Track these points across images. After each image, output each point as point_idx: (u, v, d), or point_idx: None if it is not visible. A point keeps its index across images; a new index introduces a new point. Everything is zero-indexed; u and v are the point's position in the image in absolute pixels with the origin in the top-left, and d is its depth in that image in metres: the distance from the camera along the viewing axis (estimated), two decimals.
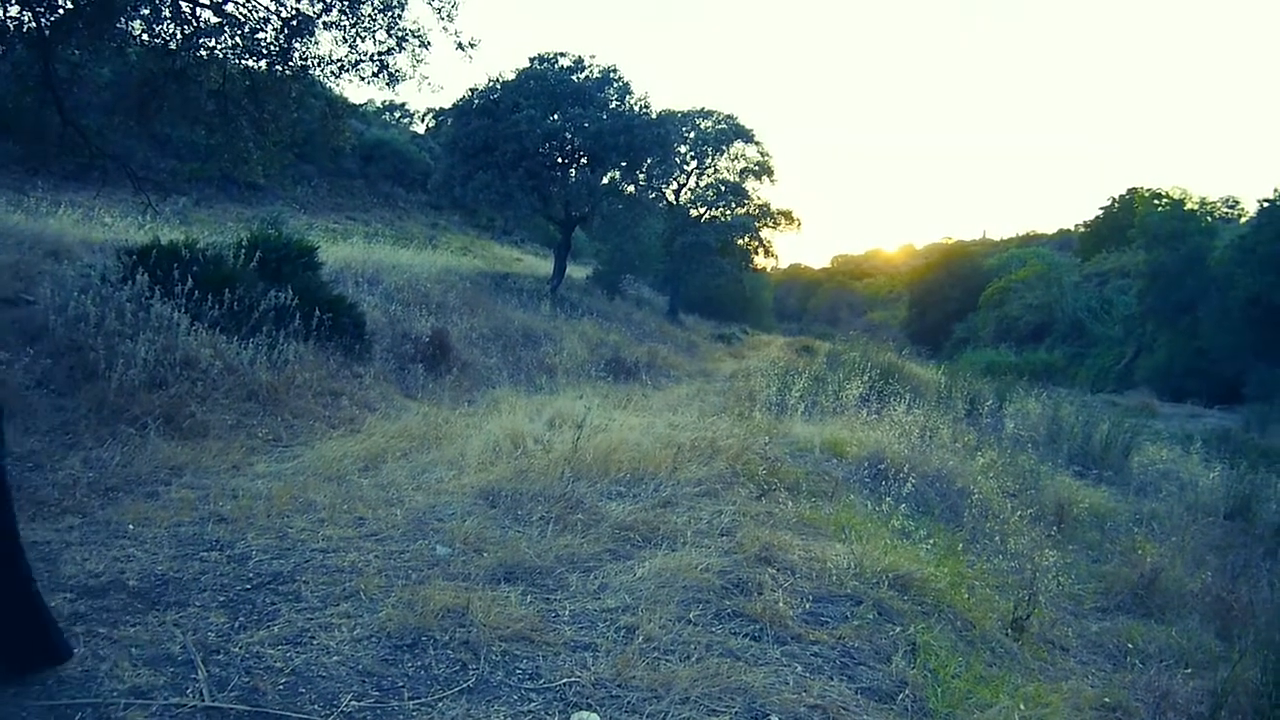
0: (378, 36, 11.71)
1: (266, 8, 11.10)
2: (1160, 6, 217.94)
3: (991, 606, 5.62)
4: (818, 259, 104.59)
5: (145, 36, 10.71)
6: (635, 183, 28.88)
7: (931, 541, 6.39)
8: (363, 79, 11.94)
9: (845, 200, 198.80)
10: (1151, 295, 44.37)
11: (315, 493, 6.61)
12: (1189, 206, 49.79)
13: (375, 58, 11.82)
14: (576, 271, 31.76)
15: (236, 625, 4.24)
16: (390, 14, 11.58)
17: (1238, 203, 60.81)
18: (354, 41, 11.62)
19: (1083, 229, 70.72)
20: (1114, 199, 62.29)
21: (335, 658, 3.98)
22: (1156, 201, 51.88)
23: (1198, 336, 39.50)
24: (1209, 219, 50.57)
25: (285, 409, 9.71)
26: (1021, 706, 4.18)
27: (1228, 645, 5.90)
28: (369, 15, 11.49)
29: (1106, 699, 4.74)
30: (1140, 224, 49.50)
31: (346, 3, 11.25)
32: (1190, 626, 6.23)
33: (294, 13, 11.10)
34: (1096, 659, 5.53)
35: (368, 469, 7.66)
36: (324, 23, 11.35)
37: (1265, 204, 41.18)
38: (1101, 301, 51.89)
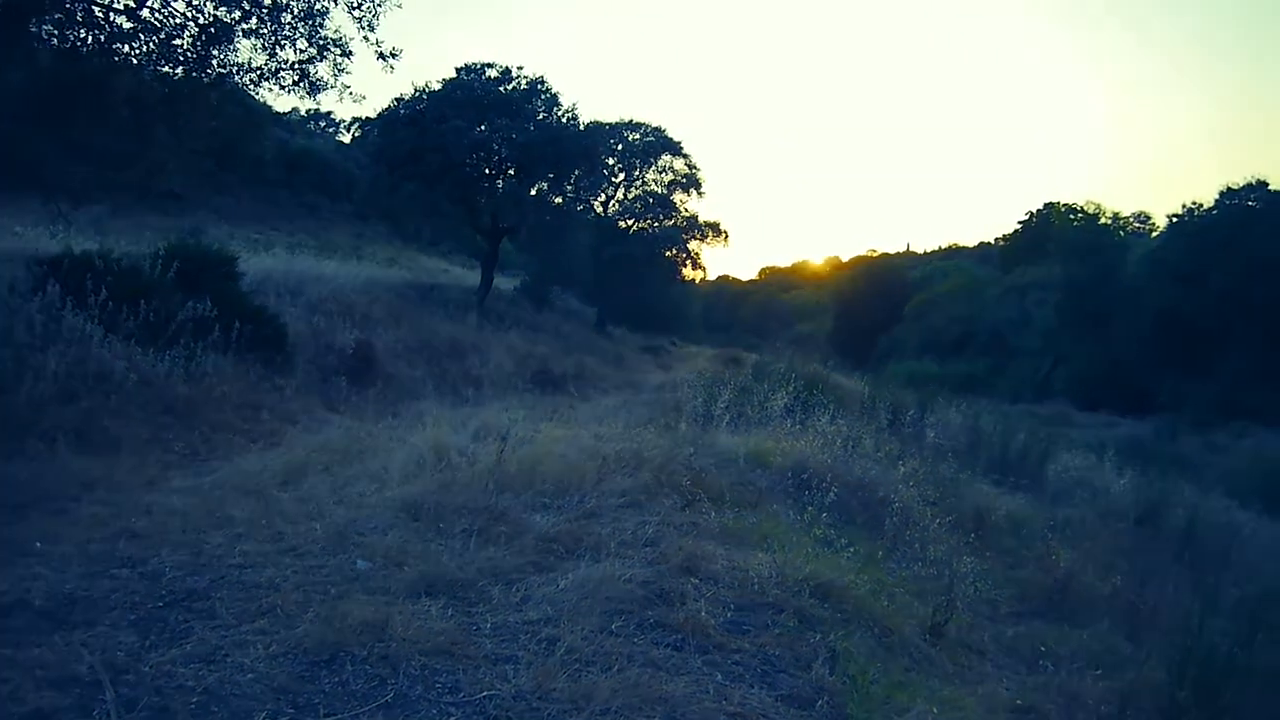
0: (298, 45, 11.57)
1: (183, 14, 10.89)
2: (1078, 27, 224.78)
3: (911, 613, 5.70)
4: (746, 271, 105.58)
5: (56, 41, 10.43)
6: (563, 194, 28.90)
7: (853, 550, 6.46)
8: (283, 88, 11.78)
9: (773, 212, 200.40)
10: (1068, 308, 45.55)
11: (233, 507, 6.47)
12: (1103, 221, 51.38)
13: (296, 66, 11.66)
14: (504, 283, 31.61)
15: (147, 644, 4.12)
16: (311, 22, 11.45)
17: (1149, 218, 62.93)
18: (274, 50, 11.46)
19: (1002, 242, 72.33)
20: (1032, 213, 63.87)
21: (249, 675, 3.89)
22: (1072, 216, 53.48)
23: (1112, 348, 40.62)
24: (1122, 233, 52.24)
25: (203, 422, 9.51)
26: (935, 710, 4.25)
27: (1136, 647, 6.06)
28: (289, 23, 11.34)
29: (1020, 701, 4.83)
30: (1057, 238, 50.90)
31: (266, 10, 11.09)
32: (1101, 629, 6.38)
33: (212, 19, 10.91)
34: (1011, 662, 5.63)
35: (288, 483, 7.51)
36: (243, 30, 11.17)
37: (1174, 219, 42.67)
38: (1021, 314, 53.09)
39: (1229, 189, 40.41)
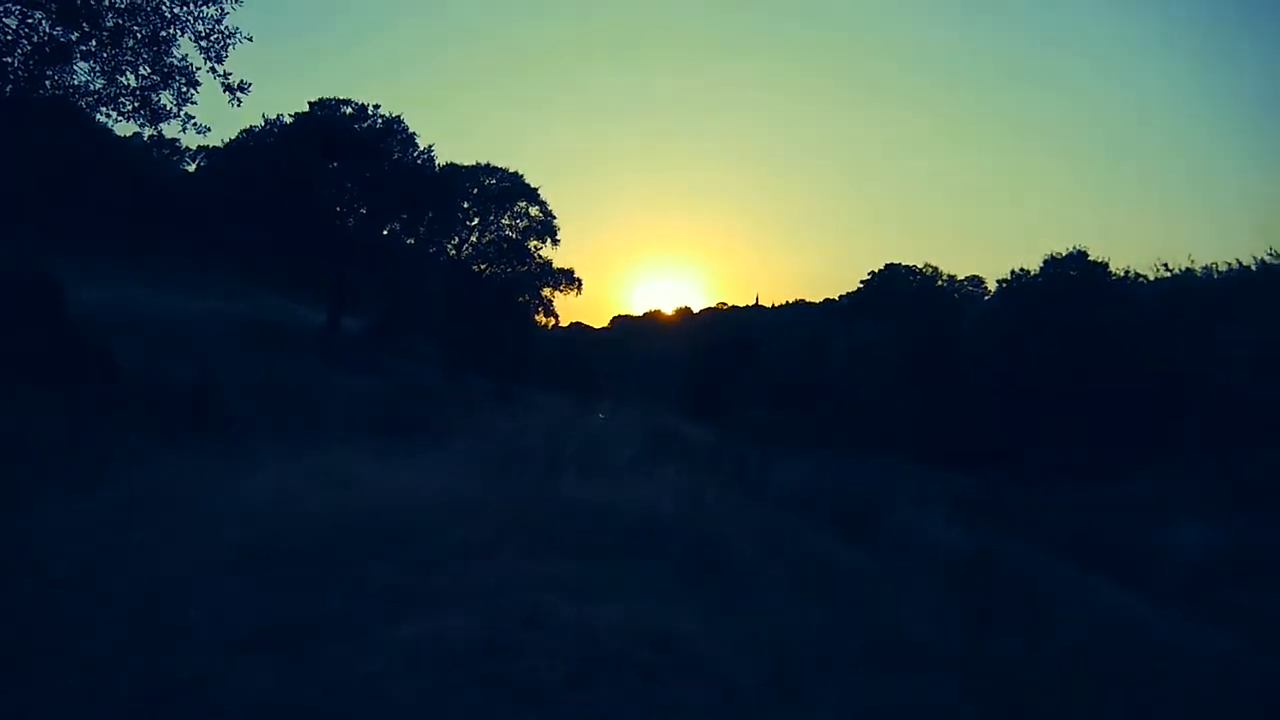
0: (141, 71, 11.15)
1: (15, 30, 10.37)
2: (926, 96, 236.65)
3: (750, 663, 5.76)
4: (598, 319, 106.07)
5: None
6: (416, 235, 28.58)
7: (695, 601, 6.50)
8: (123, 114, 11.32)
9: (626, 263, 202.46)
10: (906, 365, 47.35)
11: (49, 553, 6.07)
12: (940, 283, 54.00)
13: (137, 93, 11.24)
14: (352, 324, 30.88)
15: None
16: (155, 49, 11.06)
17: (982, 281, 66.33)
18: (114, 74, 11.02)
19: (846, 298, 74.82)
20: (873, 272, 66.32)
21: None
22: (911, 277, 55.98)
23: (947, 405, 42.32)
24: (957, 295, 54.98)
25: (23, 460, 8.93)
26: None
27: (962, 695, 6.26)
28: (132, 48, 10.94)
29: None
30: (896, 296, 53.11)
31: (107, 33, 10.67)
32: (930, 678, 6.57)
33: (47, 38, 10.43)
34: (843, 714, 5.73)
35: (113, 526, 7.10)
36: (81, 52, 10.71)
37: (1003, 284, 45.13)
38: (862, 369, 54.82)
39: (1053, 257, 43.02)
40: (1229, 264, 39.79)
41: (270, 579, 5.86)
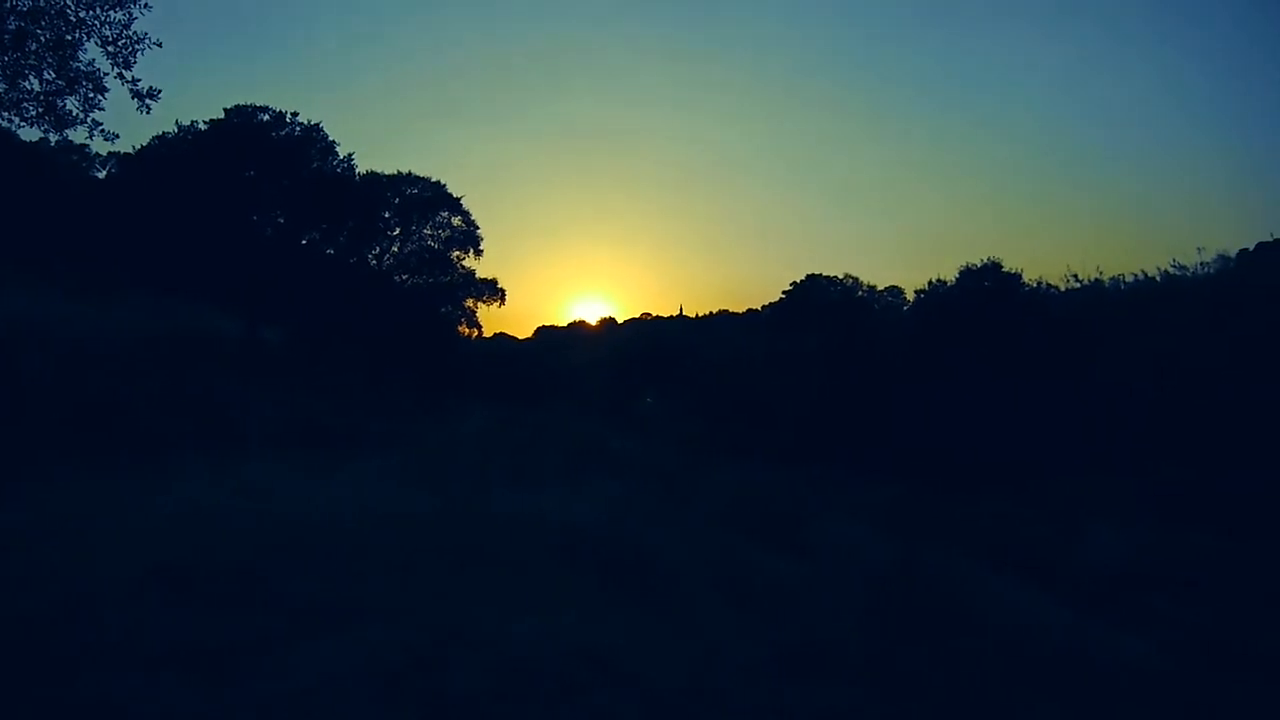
0: (45, 75, 10.79)
1: None
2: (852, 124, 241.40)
3: (675, 675, 5.71)
4: (522, 329, 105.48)
5: None
6: (336, 245, 28.14)
7: (622, 612, 6.44)
8: (25, 119, 10.94)
9: (549, 273, 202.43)
10: (829, 372, 47.87)
11: None
12: (860, 294, 54.93)
13: (42, 98, 10.87)
14: (273, 334, 30.28)
15: None
16: (61, 53, 10.71)
17: (901, 291, 67.56)
18: (16, 79, 10.64)
19: (769, 309, 75.47)
20: (795, 283, 67.05)
21: None
22: (832, 287, 56.86)
23: (871, 412, 42.82)
24: (877, 305, 55.98)
25: None
26: None
27: (885, 706, 6.28)
28: (36, 52, 10.57)
29: None
30: (817, 306, 53.90)
31: (10, 36, 10.30)
32: (853, 690, 6.59)
33: None
34: None
35: (15, 544, 6.80)
36: None
37: (920, 294, 45.92)
38: (786, 377, 55.29)
39: (968, 268, 43.77)
40: (1135, 275, 40.78)
41: (187, 596, 5.66)
